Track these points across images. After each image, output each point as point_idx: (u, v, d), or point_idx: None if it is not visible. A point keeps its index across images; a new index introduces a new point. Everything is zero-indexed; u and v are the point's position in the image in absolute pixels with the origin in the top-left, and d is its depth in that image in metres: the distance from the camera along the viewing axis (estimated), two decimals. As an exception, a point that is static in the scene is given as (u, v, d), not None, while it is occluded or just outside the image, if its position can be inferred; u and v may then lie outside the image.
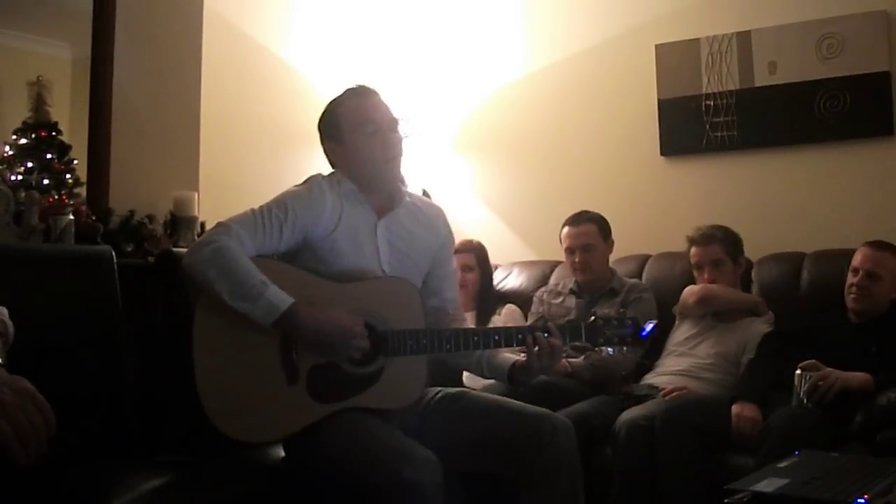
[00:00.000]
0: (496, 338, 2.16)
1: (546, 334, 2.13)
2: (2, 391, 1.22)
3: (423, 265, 2.31)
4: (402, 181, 2.39)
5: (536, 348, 2.12)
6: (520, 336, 2.14)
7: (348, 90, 2.29)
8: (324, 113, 2.30)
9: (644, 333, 2.20)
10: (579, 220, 3.43)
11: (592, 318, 2.21)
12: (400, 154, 2.25)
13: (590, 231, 3.39)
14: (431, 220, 2.35)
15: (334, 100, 2.29)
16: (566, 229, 3.44)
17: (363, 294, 2.12)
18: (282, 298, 1.95)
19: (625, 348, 2.29)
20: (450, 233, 2.41)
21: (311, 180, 2.24)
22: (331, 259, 2.16)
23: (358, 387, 2.07)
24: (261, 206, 2.12)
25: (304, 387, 2.03)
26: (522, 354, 2.18)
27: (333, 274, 2.13)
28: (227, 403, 1.99)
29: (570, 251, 3.42)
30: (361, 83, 2.30)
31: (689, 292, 3.28)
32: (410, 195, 2.36)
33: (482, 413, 2.20)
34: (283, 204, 2.13)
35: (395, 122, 2.26)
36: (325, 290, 2.09)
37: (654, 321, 2.27)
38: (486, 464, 2.23)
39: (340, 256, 2.16)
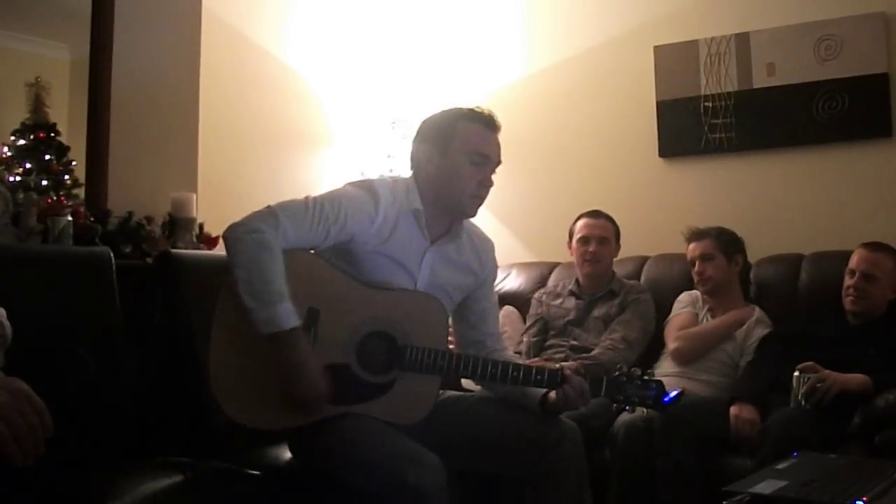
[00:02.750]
0: (514, 374, 2.10)
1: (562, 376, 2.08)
2: (-2, 393, 1.22)
3: (456, 298, 2.27)
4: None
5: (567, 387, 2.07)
6: (538, 377, 2.09)
7: (477, 112, 2.21)
8: (438, 115, 2.23)
9: (667, 400, 2.10)
10: (598, 214, 3.45)
11: (617, 372, 2.13)
12: (485, 197, 2.21)
13: (608, 226, 3.43)
14: (479, 254, 2.31)
15: (457, 110, 2.22)
16: (584, 220, 3.44)
17: (390, 304, 2.10)
18: (288, 318, 1.91)
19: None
20: (494, 268, 2.38)
21: (373, 185, 2.16)
22: (368, 269, 2.12)
23: (366, 394, 2.05)
24: (315, 199, 2.06)
25: None
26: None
27: (366, 279, 2.11)
28: (234, 383, 1.99)
29: (584, 240, 3.40)
30: (489, 112, 2.21)
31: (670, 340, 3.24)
32: (467, 226, 2.30)
33: (488, 415, 2.20)
34: (336, 203, 2.07)
35: (498, 165, 2.23)
36: (352, 293, 2.08)
37: (680, 390, 2.16)
38: (492, 465, 2.22)
39: (377, 270, 2.13)
